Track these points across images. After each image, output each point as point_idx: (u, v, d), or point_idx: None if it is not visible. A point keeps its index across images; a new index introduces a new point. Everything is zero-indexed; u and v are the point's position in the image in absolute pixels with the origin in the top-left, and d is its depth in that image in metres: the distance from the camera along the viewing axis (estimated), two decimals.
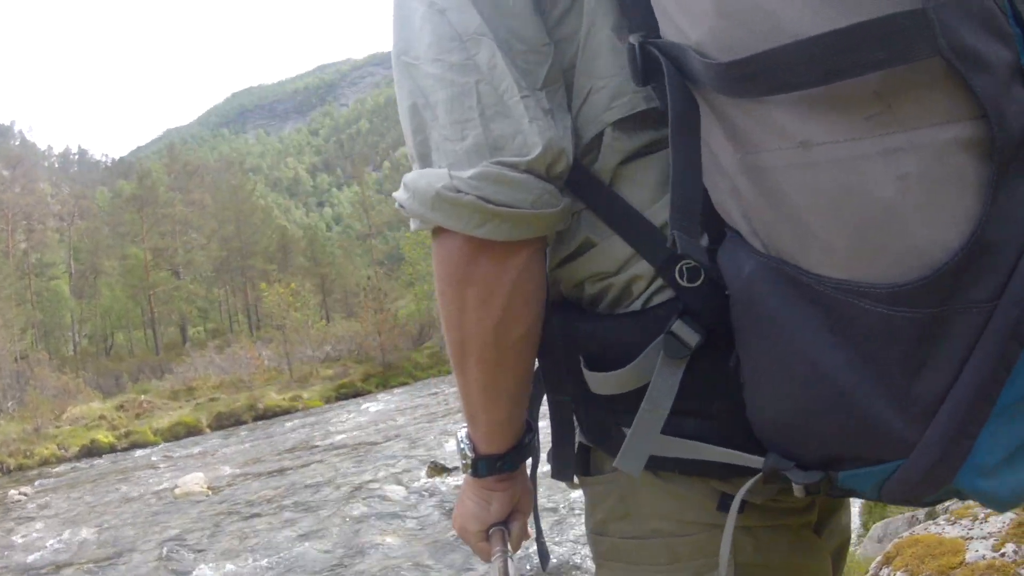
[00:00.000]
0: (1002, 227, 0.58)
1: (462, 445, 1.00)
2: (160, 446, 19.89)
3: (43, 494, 14.16)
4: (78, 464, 18.84)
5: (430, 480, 9.61)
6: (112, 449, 20.36)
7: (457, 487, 7.15)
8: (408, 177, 0.84)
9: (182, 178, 65.64)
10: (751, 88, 0.63)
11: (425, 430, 14.38)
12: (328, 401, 23.79)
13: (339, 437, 15.27)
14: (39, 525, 10.98)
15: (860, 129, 0.59)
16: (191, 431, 21.54)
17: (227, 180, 69.25)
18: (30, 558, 9.15)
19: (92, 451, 20.29)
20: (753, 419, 0.77)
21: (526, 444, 1.00)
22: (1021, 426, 0.63)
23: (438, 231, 0.82)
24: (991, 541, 2.14)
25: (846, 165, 0.60)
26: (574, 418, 0.96)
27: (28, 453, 19.64)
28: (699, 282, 0.79)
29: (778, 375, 0.71)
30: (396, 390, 24.57)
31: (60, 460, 19.79)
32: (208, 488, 11.76)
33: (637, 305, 0.84)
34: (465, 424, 0.98)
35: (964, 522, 2.32)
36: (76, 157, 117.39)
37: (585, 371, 0.86)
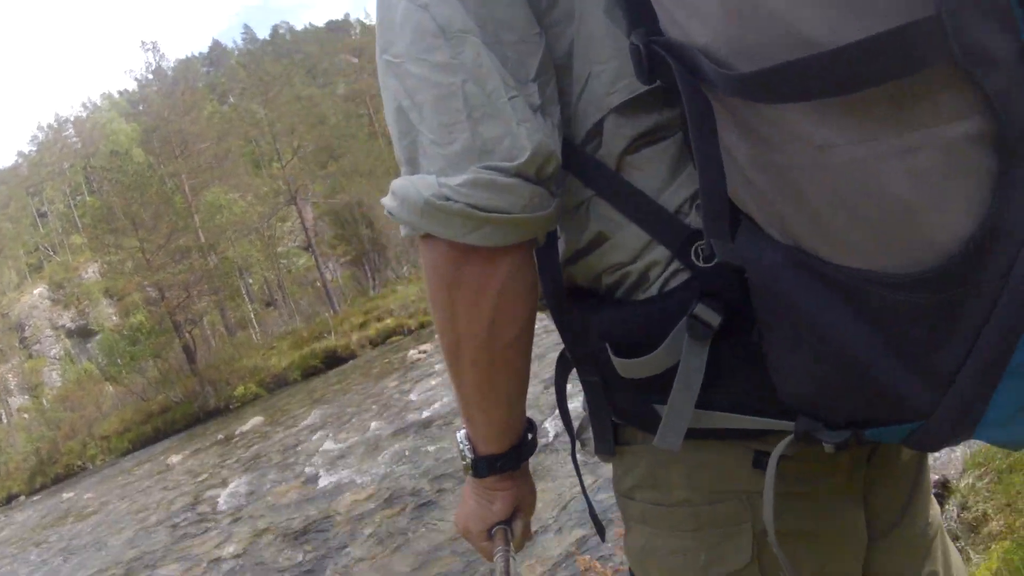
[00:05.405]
0: (1010, 216, 0.59)
1: (461, 446, 1.01)
2: None
3: None
4: None
5: None
6: None
7: None
8: (396, 184, 0.82)
9: None
10: (769, 95, 0.63)
11: None
12: None
13: None
14: (434, 381, 12.20)
15: (874, 131, 0.60)
16: None
17: None
18: (424, 414, 10.37)
19: None
20: (780, 390, 0.79)
21: (526, 443, 1.02)
22: None
23: (425, 235, 0.81)
24: None
25: (862, 165, 0.61)
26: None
27: (427, 311, 22.22)
28: (715, 261, 0.80)
29: (802, 355, 0.74)
30: None
31: None
32: None
33: (654, 290, 0.85)
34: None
35: None
36: None
37: (614, 358, 0.87)
